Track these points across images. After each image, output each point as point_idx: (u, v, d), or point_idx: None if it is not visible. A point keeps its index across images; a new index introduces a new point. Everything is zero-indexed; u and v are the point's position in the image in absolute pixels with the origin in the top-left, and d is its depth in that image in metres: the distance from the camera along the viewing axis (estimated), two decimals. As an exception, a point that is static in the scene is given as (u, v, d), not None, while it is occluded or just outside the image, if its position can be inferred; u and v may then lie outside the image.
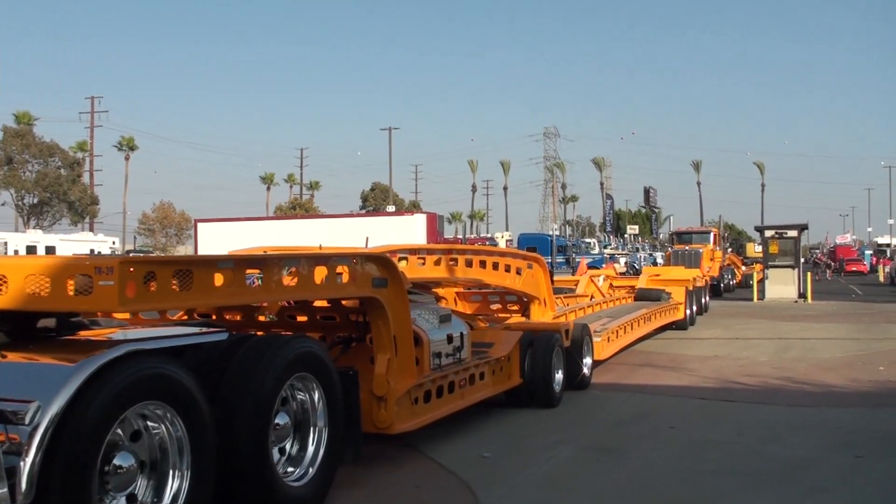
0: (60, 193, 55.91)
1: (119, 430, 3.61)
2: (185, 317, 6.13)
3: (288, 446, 4.75)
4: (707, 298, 21.48)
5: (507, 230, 76.37)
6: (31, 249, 35.26)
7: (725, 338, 15.60)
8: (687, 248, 29.95)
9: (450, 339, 6.79)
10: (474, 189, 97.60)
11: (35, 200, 55.98)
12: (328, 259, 5.06)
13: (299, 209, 76.87)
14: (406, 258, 7.25)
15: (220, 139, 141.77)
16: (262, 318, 6.26)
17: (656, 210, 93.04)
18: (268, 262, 4.56)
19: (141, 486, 3.74)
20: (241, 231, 31.63)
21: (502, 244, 52.90)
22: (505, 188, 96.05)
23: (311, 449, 4.84)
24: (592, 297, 15.14)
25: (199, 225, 35.85)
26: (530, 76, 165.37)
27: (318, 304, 6.08)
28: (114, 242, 43.90)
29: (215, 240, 29.52)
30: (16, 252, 33.87)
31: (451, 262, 8.16)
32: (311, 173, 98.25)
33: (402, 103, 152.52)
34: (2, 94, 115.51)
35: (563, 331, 8.98)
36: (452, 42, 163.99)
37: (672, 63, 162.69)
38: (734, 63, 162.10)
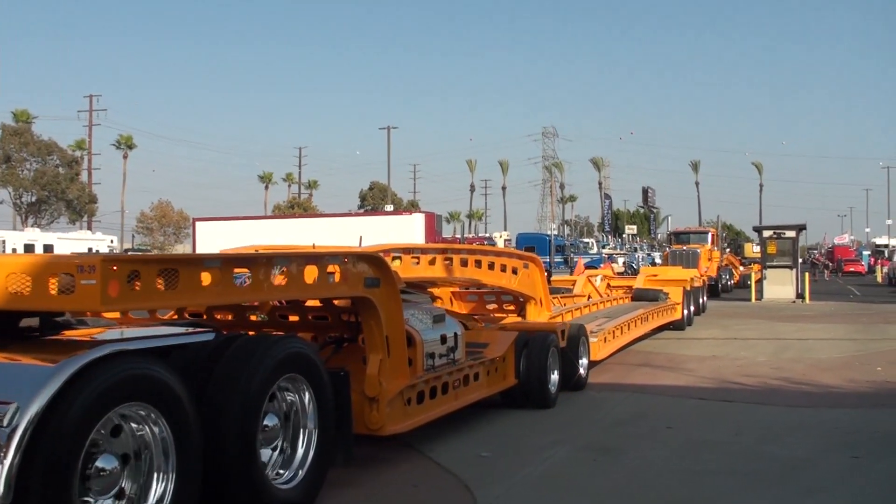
0: (58, 192, 55.85)
1: (102, 432, 3.54)
2: (175, 316, 6.06)
3: (277, 448, 4.67)
4: (705, 299, 21.43)
5: (505, 230, 76.43)
6: (28, 248, 35.24)
7: (723, 338, 15.57)
8: (685, 248, 29.92)
9: (443, 339, 6.72)
10: (473, 189, 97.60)
11: (33, 199, 55.93)
12: (319, 258, 4.99)
13: (298, 208, 76.81)
14: (400, 257, 7.18)
15: (219, 138, 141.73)
16: (253, 318, 6.19)
17: (654, 210, 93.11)
18: (256, 262, 4.48)
19: (125, 488, 3.67)
20: (239, 230, 31.57)
21: (501, 244, 52.90)
22: (503, 188, 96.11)
23: (300, 451, 4.77)
24: (589, 297, 15.09)
25: (198, 224, 35.78)
26: (529, 76, 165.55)
27: (309, 303, 6.00)
28: (112, 241, 43.88)
29: (214, 239, 29.39)
30: (14, 250, 33.82)
31: (446, 262, 8.09)
32: (309, 172, 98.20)
33: (401, 103, 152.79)
34: (1, 94, 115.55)
35: (559, 331, 8.91)
36: (451, 42, 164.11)
37: (671, 63, 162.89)
38: (733, 63, 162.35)
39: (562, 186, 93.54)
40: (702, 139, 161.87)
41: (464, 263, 8.37)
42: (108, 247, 41.40)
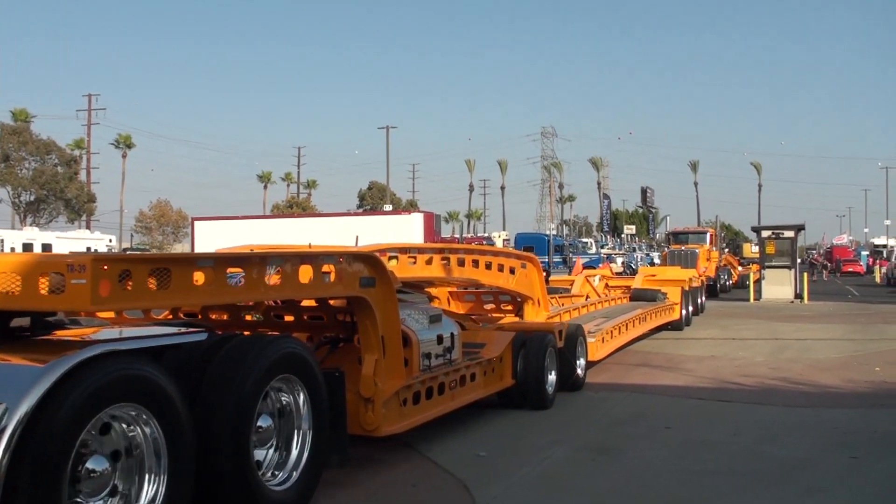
0: (57, 191, 55.79)
1: (92, 433, 3.50)
2: (170, 316, 6.03)
3: (271, 450, 4.64)
4: (703, 299, 21.41)
5: (504, 230, 76.39)
6: (27, 247, 35.23)
7: (722, 338, 15.57)
8: (683, 248, 29.92)
9: (440, 339, 6.69)
10: (471, 188, 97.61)
11: (32, 198, 55.87)
12: (313, 258, 4.95)
13: (296, 208, 76.77)
14: (396, 257, 7.16)
15: (218, 138, 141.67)
16: (249, 318, 6.16)
17: (653, 210, 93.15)
18: (250, 261, 4.45)
19: (116, 489, 3.63)
20: (238, 230, 31.60)
21: (499, 244, 52.86)
22: (502, 188, 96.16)
23: (294, 452, 4.73)
24: (588, 297, 15.06)
25: (197, 223, 35.85)
26: (528, 76, 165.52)
27: (305, 303, 5.97)
28: (110, 240, 43.85)
29: (212, 238, 29.41)
30: (12, 249, 33.78)
31: (443, 262, 8.07)
32: (308, 172, 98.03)
33: (400, 102, 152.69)
34: (1, 93, 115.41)
35: (557, 331, 8.88)
36: (450, 42, 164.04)
37: (670, 63, 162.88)
38: (732, 63, 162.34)
39: (560, 186, 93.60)
40: (701, 139, 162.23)
41: (461, 263, 8.35)
42: (107, 246, 41.37)
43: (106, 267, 3.48)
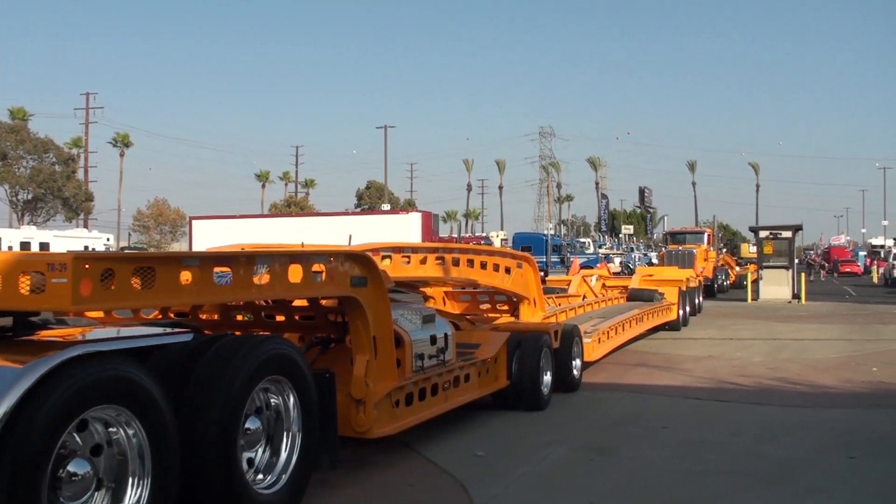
0: (55, 189, 55.65)
1: (74, 435, 3.43)
2: (160, 315, 5.95)
3: (259, 452, 4.56)
4: (700, 299, 21.37)
5: (502, 229, 76.22)
6: (24, 245, 35.14)
7: (719, 338, 15.55)
8: (680, 248, 29.88)
9: (433, 339, 6.62)
10: (469, 188, 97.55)
11: (29, 196, 55.73)
12: (303, 257, 4.88)
13: (294, 207, 76.67)
14: (390, 257, 7.09)
15: (216, 137, 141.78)
16: (239, 318, 6.08)
17: (651, 210, 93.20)
18: (237, 260, 4.37)
19: (98, 493, 3.56)
20: (236, 229, 31.55)
21: (497, 243, 52.80)
22: (500, 187, 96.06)
23: (283, 455, 4.65)
24: (585, 297, 15.00)
25: (194, 222, 35.81)
26: (526, 76, 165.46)
27: (296, 303, 5.90)
28: (108, 239, 43.75)
29: (210, 237, 29.36)
30: (10, 248, 33.68)
31: (437, 261, 7.99)
32: (306, 171, 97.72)
33: (398, 102, 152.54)
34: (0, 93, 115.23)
35: (552, 332, 8.82)
36: (449, 41, 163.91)
37: (668, 63, 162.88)
38: (730, 64, 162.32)
39: (559, 186, 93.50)
40: (699, 139, 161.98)
41: (456, 263, 8.28)
42: (105, 245, 41.28)
43: (87, 266, 3.40)
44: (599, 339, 10.69)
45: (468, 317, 9.68)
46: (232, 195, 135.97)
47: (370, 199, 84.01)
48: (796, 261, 29.87)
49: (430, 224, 33.38)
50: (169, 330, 4.30)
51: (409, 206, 73.58)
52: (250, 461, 4.49)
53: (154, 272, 3.75)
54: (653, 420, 7.88)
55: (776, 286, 26.96)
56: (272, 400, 4.66)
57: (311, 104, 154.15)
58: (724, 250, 42.32)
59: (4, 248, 33.13)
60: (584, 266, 25.48)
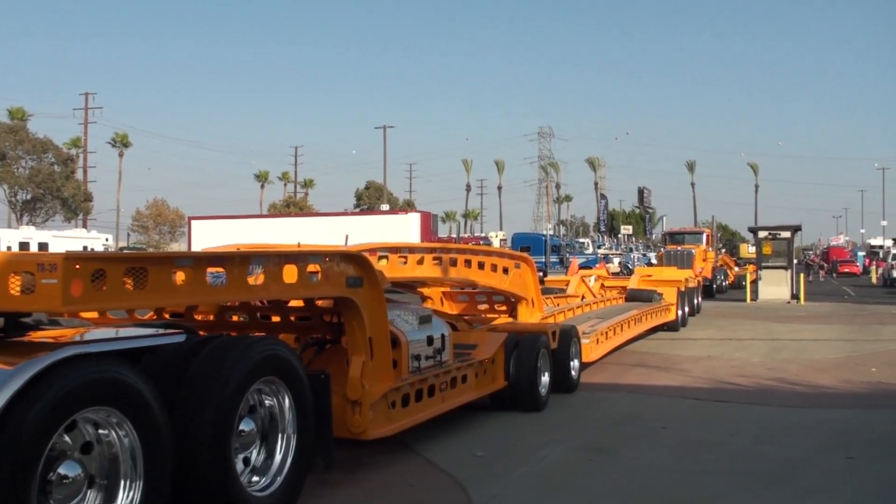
0: (54, 190, 55.59)
1: (64, 437, 3.40)
2: (155, 316, 5.92)
3: (254, 454, 4.52)
4: (699, 299, 21.34)
5: (501, 229, 76.26)
6: (23, 246, 35.09)
7: (718, 338, 15.53)
8: (679, 248, 29.85)
9: (430, 340, 6.58)
10: (469, 188, 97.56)
11: (28, 197, 55.66)
12: (297, 257, 4.84)
13: (293, 207, 76.63)
14: (386, 257, 7.05)
15: (215, 137, 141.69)
16: (235, 318, 6.05)
17: (650, 210, 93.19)
18: (231, 261, 4.34)
19: (89, 496, 3.52)
20: (235, 229, 31.57)
21: (496, 243, 52.79)
22: (499, 187, 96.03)
23: (278, 457, 4.62)
24: (583, 297, 14.98)
25: (194, 222, 35.85)
26: (525, 76, 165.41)
27: (292, 303, 5.86)
28: (107, 239, 43.70)
29: (209, 237, 29.38)
30: (9, 248, 33.64)
31: (434, 262, 7.96)
32: (305, 171, 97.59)
33: (398, 102, 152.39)
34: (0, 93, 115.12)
35: (550, 332, 8.78)
36: (448, 42, 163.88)
37: (667, 64, 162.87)
38: (729, 64, 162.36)
39: (558, 186, 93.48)
40: (698, 139, 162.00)
41: (453, 263, 8.24)
42: (104, 245, 41.23)
43: (78, 266, 3.37)
44: (598, 339, 10.66)
45: (466, 317, 9.65)
46: (231, 195, 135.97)
47: (369, 200, 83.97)
48: (795, 261, 29.83)
49: (429, 224, 33.39)
50: (162, 331, 4.26)
51: (409, 207, 73.50)
52: (245, 463, 4.45)
53: (146, 272, 3.71)
54: (652, 420, 7.88)
55: (775, 286, 26.94)
56: (266, 401, 4.62)
57: (310, 104, 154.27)
58: (723, 251, 42.23)
59: (3, 249, 33.10)
60: (582, 266, 25.45)
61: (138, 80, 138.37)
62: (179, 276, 3.97)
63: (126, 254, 3.93)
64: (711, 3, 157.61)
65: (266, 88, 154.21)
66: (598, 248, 61.50)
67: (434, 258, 7.96)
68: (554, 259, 45.42)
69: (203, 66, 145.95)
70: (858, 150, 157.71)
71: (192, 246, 32.84)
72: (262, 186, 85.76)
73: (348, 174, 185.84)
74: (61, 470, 3.37)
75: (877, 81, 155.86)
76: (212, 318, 5.98)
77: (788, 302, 26.29)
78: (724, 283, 33.04)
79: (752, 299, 27.02)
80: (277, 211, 73.93)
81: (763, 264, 27.89)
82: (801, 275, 28.36)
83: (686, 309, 17.72)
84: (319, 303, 5.73)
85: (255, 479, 4.50)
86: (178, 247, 63.78)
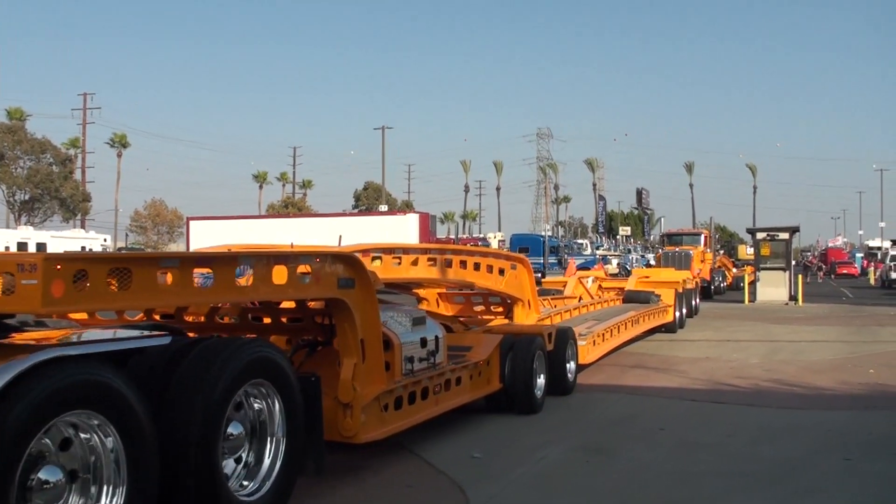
0: (52, 190, 55.50)
1: (45, 441, 3.33)
2: (144, 318, 5.84)
3: (242, 458, 4.45)
4: (697, 300, 21.28)
5: (499, 230, 76.26)
6: (21, 246, 35.03)
7: (716, 340, 15.49)
8: (677, 249, 29.75)
9: (423, 342, 6.51)
10: (467, 189, 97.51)
11: (26, 197, 55.56)
12: (287, 258, 4.78)
13: (292, 208, 76.55)
14: (380, 258, 6.98)
15: (213, 137, 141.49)
16: (226, 320, 5.98)
17: (649, 211, 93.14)
18: (218, 261, 4.27)
19: (71, 501, 3.45)
20: (233, 229, 31.57)
21: (495, 244, 52.74)
22: (498, 188, 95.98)
23: (267, 461, 4.55)
24: (581, 298, 14.91)
25: (192, 223, 35.86)
26: (524, 77, 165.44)
27: (283, 305, 5.79)
28: (105, 240, 43.64)
29: (208, 238, 29.36)
30: (7, 248, 33.56)
31: (429, 263, 7.89)
32: (303, 172, 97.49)
33: (396, 103, 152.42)
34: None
35: (546, 334, 8.71)
36: (447, 43, 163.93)
37: (666, 65, 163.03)
38: (728, 66, 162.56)
39: (556, 187, 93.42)
40: (696, 141, 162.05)
41: (448, 264, 8.17)
42: (102, 245, 41.19)
43: (59, 266, 3.30)
44: (594, 341, 10.60)
45: (462, 319, 9.59)
46: (229, 196, 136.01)
47: (368, 200, 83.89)
48: (793, 262, 29.79)
49: (427, 225, 33.40)
50: (146, 333, 4.18)
51: (407, 207, 73.42)
52: (232, 468, 4.37)
53: (131, 273, 3.64)
54: (650, 422, 7.87)
55: (773, 288, 26.89)
56: (256, 404, 4.55)
57: (308, 105, 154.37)
58: (721, 252, 42.21)
59: (2, 249, 33.01)
60: (581, 267, 25.38)
61: (137, 80, 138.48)
62: (165, 277, 3.91)
63: (110, 254, 3.87)
64: (710, 5, 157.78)
65: (265, 89, 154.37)
66: (597, 249, 61.45)
67: (429, 259, 7.89)
68: (552, 260, 45.31)
69: (202, 66, 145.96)
70: (857, 152, 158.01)
71: (191, 246, 32.79)
72: (261, 187, 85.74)
73: (347, 175, 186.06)
74: (41, 475, 3.30)
75: (875, 83, 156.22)
76: (202, 319, 5.91)
77: (786, 303, 26.24)
78: (722, 285, 32.97)
79: (750, 300, 26.97)
80: (276, 211, 73.86)
81: (761, 265, 27.84)
82: (800, 276, 28.34)
83: (684, 310, 17.67)
84: (311, 304, 5.66)
85: (244, 483, 4.43)
86: (176, 247, 63.67)
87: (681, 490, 5.58)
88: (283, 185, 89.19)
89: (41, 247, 35.60)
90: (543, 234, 52.39)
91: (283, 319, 5.97)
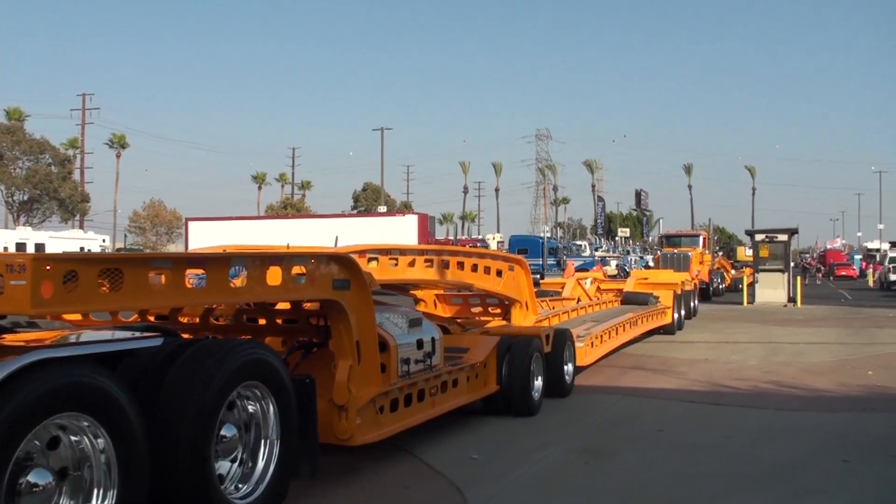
0: (51, 191, 55.45)
1: (35, 443, 3.29)
2: (139, 319, 5.80)
3: (235, 461, 4.41)
4: (696, 302, 21.25)
5: (498, 232, 76.11)
6: (20, 246, 34.98)
7: (715, 341, 15.46)
8: (676, 251, 29.72)
9: (420, 344, 6.47)
10: (466, 190, 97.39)
11: (25, 197, 55.50)
12: (281, 259, 4.74)
13: (291, 209, 76.52)
14: (377, 259, 6.94)
15: (212, 138, 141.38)
16: (222, 321, 5.94)
17: (647, 213, 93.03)
18: (211, 262, 4.23)
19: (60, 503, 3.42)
20: (232, 230, 31.59)
21: (493, 246, 52.67)
22: (496, 190, 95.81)
23: (261, 463, 4.51)
24: (579, 300, 14.86)
25: (190, 224, 35.87)
26: (523, 78, 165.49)
27: (279, 306, 5.75)
28: (104, 240, 43.61)
29: (206, 239, 29.35)
30: (5, 249, 33.52)
31: (426, 264, 7.85)
32: (302, 173, 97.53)
33: (395, 104, 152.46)
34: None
35: (544, 336, 8.67)
36: (446, 44, 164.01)
37: (665, 67, 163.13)
38: (727, 67, 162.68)
39: (555, 189, 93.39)
40: (695, 142, 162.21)
41: (445, 265, 8.14)
42: (101, 246, 41.16)
43: (49, 267, 3.26)
44: (592, 343, 10.56)
45: (459, 320, 9.54)
46: (228, 197, 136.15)
47: (366, 201, 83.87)
48: (792, 264, 29.77)
49: (426, 226, 33.39)
50: (138, 335, 4.14)
51: (406, 209, 73.35)
52: (225, 470, 4.33)
53: (122, 274, 3.61)
54: (648, 423, 7.85)
55: (772, 289, 26.87)
56: (249, 407, 4.52)
57: (307, 105, 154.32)
58: (720, 253, 42.17)
59: (0, 250, 32.95)
60: (580, 269, 25.35)
61: (136, 80, 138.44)
62: (157, 278, 3.87)
63: (101, 255, 3.84)
64: (709, 7, 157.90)
65: (264, 90, 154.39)
66: (596, 250, 61.38)
67: (426, 260, 7.85)
68: (551, 261, 45.29)
69: (201, 67, 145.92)
70: (856, 154, 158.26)
71: (189, 247, 32.76)
72: (260, 188, 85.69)
73: (346, 176, 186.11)
74: (30, 478, 3.26)
75: (874, 85, 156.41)
76: (197, 320, 5.87)
77: (785, 305, 26.21)
78: (720, 286, 32.94)
79: (748, 302, 26.95)
80: (275, 212, 73.80)
81: (760, 267, 27.82)
82: (798, 278, 28.30)
83: (682, 312, 17.63)
84: (306, 305, 5.62)
85: (237, 486, 4.39)
86: (175, 248, 63.60)
87: (679, 491, 5.58)
88: (282, 186, 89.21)
89: (40, 247, 35.55)
90: (542, 235, 52.36)
91: (279, 321, 5.92)
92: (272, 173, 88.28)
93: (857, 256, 70.38)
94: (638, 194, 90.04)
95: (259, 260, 4.58)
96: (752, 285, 27.90)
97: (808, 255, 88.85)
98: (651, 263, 40.43)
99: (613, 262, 45.85)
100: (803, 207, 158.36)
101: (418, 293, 9.90)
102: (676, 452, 6.66)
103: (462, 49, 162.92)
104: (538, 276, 31.16)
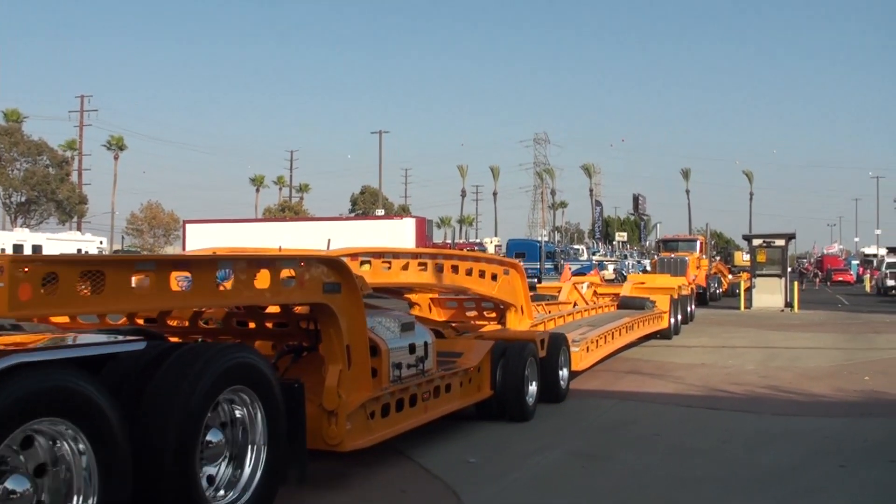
0: (48, 192, 55.32)
1: (13, 448, 3.21)
2: (127, 321, 5.72)
3: (221, 467, 4.33)
4: (693, 307, 21.21)
5: (496, 235, 76.10)
6: (17, 248, 34.83)
7: (712, 346, 15.42)
8: (673, 255, 29.71)
9: (412, 348, 6.39)
10: (464, 194, 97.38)
11: (23, 199, 55.38)
12: (270, 261, 4.67)
13: (288, 211, 76.44)
14: (369, 262, 6.87)
15: (211, 140, 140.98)
16: (211, 325, 5.86)
17: (645, 217, 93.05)
18: (199, 264, 4.16)
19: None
20: (229, 232, 31.57)
21: (491, 249, 52.64)
22: (494, 193, 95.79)
23: (248, 470, 4.43)
24: (575, 304, 14.81)
25: (188, 226, 35.84)
26: (521, 82, 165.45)
27: (269, 309, 5.68)
28: (101, 242, 43.47)
29: (204, 241, 29.28)
30: (3, 250, 33.41)
31: (420, 267, 7.78)
32: (300, 175, 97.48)
33: (393, 107, 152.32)
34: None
35: (539, 340, 8.61)
36: (444, 46, 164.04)
37: (662, 71, 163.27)
38: (725, 72, 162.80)
39: (553, 193, 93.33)
40: (693, 147, 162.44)
41: (440, 269, 8.07)
42: (98, 248, 41.00)
43: (27, 269, 3.20)
44: (588, 347, 10.50)
45: (453, 324, 9.47)
46: (226, 199, 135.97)
47: (364, 204, 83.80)
48: (789, 269, 29.75)
49: (424, 230, 33.37)
50: (120, 338, 4.07)
51: (404, 212, 73.34)
52: (210, 477, 4.26)
53: (104, 276, 3.53)
54: (644, 428, 7.83)
55: (769, 294, 26.85)
56: (236, 411, 4.44)
57: (305, 108, 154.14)
58: (717, 258, 42.15)
59: (-2, 251, 32.86)
60: (577, 273, 25.31)
61: (134, 82, 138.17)
62: (141, 281, 3.80)
63: (82, 256, 3.78)
64: (708, 11, 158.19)
65: (262, 92, 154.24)
66: (593, 254, 61.34)
67: (419, 264, 7.78)
68: (549, 265, 45.21)
69: (199, 69, 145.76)
70: (853, 159, 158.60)
71: (187, 249, 32.69)
72: (258, 190, 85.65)
73: (343, 179, 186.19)
74: (8, 484, 3.19)
75: (872, 90, 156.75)
76: (186, 323, 5.79)
77: (782, 310, 26.19)
78: (717, 291, 32.91)
79: (745, 307, 26.93)
80: (272, 215, 73.72)
81: (757, 272, 27.81)
82: (795, 283, 28.28)
83: (679, 316, 17.59)
84: (297, 309, 5.55)
85: (222, 493, 4.31)
86: (172, 250, 63.48)
87: (675, 495, 5.57)
88: (280, 189, 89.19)
89: (37, 249, 35.44)
90: (540, 239, 52.31)
91: (269, 324, 5.85)
92: (270, 176, 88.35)
93: (855, 262, 70.46)
94: (636, 198, 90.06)
95: (247, 262, 4.51)
96: (749, 290, 27.88)
97: (805, 261, 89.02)
98: (648, 268, 40.38)
99: (611, 267, 45.77)
100: (801, 212, 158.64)
101: (413, 297, 9.82)
102: (673, 456, 6.65)
103: (460, 52, 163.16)
104: (535, 280, 31.13)
